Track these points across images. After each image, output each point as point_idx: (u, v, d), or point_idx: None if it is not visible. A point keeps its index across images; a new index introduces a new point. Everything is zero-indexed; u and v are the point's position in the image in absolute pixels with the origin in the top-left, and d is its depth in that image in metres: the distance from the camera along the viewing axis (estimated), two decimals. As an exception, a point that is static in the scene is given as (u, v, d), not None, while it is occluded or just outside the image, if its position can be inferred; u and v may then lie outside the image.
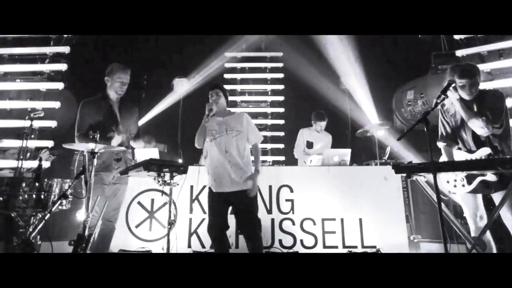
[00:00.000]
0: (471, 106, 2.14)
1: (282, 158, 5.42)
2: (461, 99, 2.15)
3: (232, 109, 2.94)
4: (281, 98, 5.70)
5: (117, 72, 2.39)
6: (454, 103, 2.17)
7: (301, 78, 5.51)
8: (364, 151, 5.01)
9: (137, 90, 5.44)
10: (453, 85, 2.10)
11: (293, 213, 3.15)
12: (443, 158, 2.25)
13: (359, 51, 5.46)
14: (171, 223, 2.06)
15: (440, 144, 2.28)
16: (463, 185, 2.09)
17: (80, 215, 2.86)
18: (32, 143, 4.10)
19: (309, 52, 5.56)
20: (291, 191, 3.21)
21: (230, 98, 5.66)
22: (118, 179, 2.34)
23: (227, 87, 5.71)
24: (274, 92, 5.76)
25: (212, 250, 3.00)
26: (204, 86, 5.67)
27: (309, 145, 3.97)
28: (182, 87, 5.49)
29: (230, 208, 2.30)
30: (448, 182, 2.16)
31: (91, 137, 1.97)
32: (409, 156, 4.53)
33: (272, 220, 3.13)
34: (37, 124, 4.07)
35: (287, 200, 3.17)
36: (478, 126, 2.06)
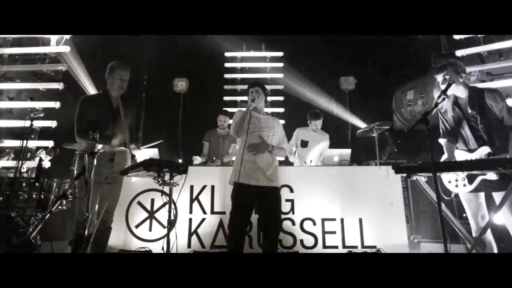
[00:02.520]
0: (465, 108, 2.16)
1: (281, 158, 5.39)
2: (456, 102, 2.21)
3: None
4: (281, 98, 5.68)
5: (117, 70, 2.39)
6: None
7: (301, 78, 5.50)
8: (364, 151, 4.99)
9: (137, 88, 5.42)
10: (453, 85, 2.11)
11: (293, 213, 3.14)
12: (444, 157, 2.25)
13: (359, 50, 5.46)
14: (171, 223, 2.06)
15: (442, 141, 2.28)
16: (465, 185, 2.07)
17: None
18: (32, 143, 4.09)
19: (309, 52, 5.56)
20: (291, 191, 3.21)
21: (230, 98, 5.72)
22: (112, 179, 2.32)
23: (226, 87, 5.78)
24: (274, 92, 5.74)
25: (212, 250, 3.00)
26: (204, 86, 5.68)
27: (304, 144, 3.92)
28: (182, 87, 5.50)
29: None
30: (449, 182, 2.15)
31: (91, 136, 1.96)
32: (409, 156, 4.52)
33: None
34: (37, 124, 4.07)
35: (287, 200, 3.16)
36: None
